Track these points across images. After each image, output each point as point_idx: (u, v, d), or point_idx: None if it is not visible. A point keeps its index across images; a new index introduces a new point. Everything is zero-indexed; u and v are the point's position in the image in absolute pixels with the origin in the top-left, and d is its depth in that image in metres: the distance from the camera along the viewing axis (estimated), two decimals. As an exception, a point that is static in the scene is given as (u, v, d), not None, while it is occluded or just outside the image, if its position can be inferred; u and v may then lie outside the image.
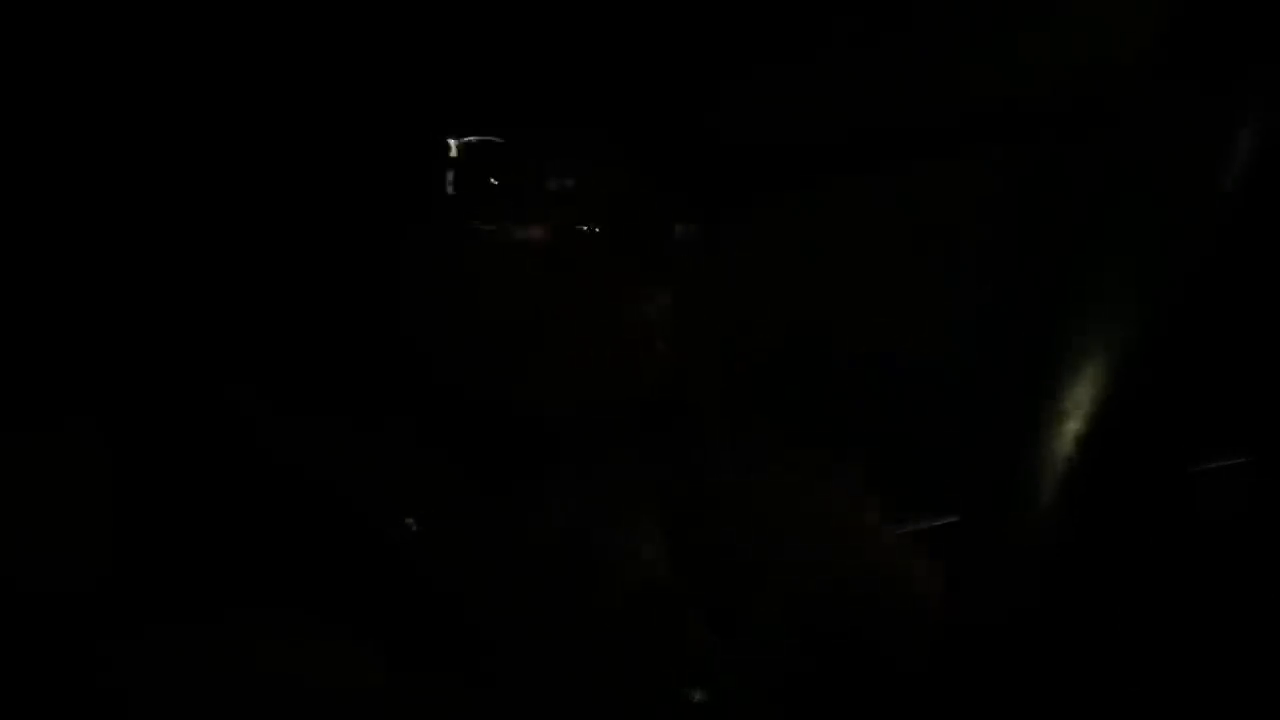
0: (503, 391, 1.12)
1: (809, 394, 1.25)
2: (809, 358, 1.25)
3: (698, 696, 1.13)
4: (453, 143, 1.09)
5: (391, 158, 1.10)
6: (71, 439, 1.09)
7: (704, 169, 1.15)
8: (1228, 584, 0.99)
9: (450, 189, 1.09)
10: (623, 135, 1.12)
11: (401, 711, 1.05)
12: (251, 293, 1.11)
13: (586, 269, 1.12)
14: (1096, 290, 0.91)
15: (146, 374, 1.10)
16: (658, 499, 1.17)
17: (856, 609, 1.16)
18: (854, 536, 1.18)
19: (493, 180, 1.10)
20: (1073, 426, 0.91)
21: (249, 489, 1.07)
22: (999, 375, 1.00)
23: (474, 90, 1.11)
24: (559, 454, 1.14)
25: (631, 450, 1.16)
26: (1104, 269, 0.92)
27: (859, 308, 1.24)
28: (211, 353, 1.11)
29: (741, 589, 1.16)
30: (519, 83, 1.11)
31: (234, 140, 1.09)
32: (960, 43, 1.17)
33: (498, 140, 1.10)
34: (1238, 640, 1.00)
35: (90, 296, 1.11)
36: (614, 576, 1.18)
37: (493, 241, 1.10)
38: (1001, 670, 0.94)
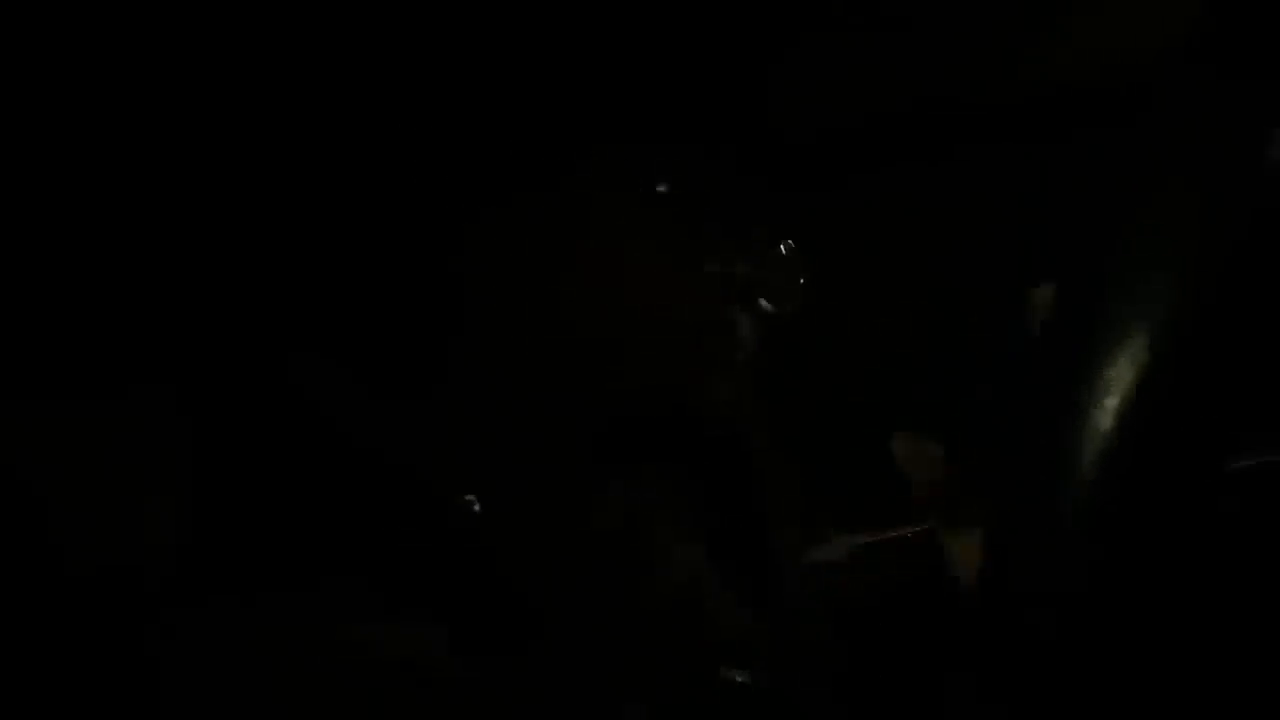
0: (574, 389, 1.16)
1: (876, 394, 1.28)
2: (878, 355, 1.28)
3: (740, 677, 1.16)
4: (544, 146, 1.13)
5: (488, 157, 1.14)
6: (146, 410, 1.13)
7: (774, 168, 1.18)
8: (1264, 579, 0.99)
9: (538, 187, 1.13)
10: (703, 138, 1.15)
11: (461, 685, 1.08)
12: (333, 274, 1.15)
13: (668, 277, 1.15)
14: (1135, 280, 0.94)
15: (223, 349, 1.15)
16: (704, 499, 1.20)
17: (889, 594, 1.18)
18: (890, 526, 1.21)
19: (585, 183, 1.14)
20: (1113, 417, 0.94)
21: (320, 467, 1.11)
22: (1041, 364, 1.02)
23: (553, 88, 1.14)
24: (621, 452, 1.18)
25: (686, 454, 1.20)
26: (1144, 257, 0.95)
27: (917, 300, 1.27)
28: (289, 333, 1.15)
29: (777, 578, 1.20)
30: (606, 86, 1.15)
31: (313, 122, 1.14)
32: (1003, 27, 1.20)
33: (587, 145, 1.14)
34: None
35: (166, 271, 1.16)
36: (662, 567, 1.22)
37: (583, 244, 1.14)
38: (1040, 656, 0.97)
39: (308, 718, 1.07)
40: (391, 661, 1.09)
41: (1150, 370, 0.92)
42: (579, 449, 1.17)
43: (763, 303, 1.19)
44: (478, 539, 1.13)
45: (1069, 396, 0.94)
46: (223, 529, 1.11)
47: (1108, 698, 0.95)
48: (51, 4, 1.08)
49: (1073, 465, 0.94)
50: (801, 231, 1.21)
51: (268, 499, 1.11)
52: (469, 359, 1.16)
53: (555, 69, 1.17)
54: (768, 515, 1.27)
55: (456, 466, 1.15)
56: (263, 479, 1.11)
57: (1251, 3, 0.93)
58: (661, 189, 1.17)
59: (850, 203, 1.23)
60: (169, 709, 1.07)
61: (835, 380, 1.25)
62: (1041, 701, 0.97)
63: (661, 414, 1.18)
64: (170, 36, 1.12)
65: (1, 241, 1.12)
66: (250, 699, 1.07)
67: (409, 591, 1.10)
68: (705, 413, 1.20)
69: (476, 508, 1.12)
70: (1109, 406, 0.92)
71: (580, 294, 1.16)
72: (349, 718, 1.07)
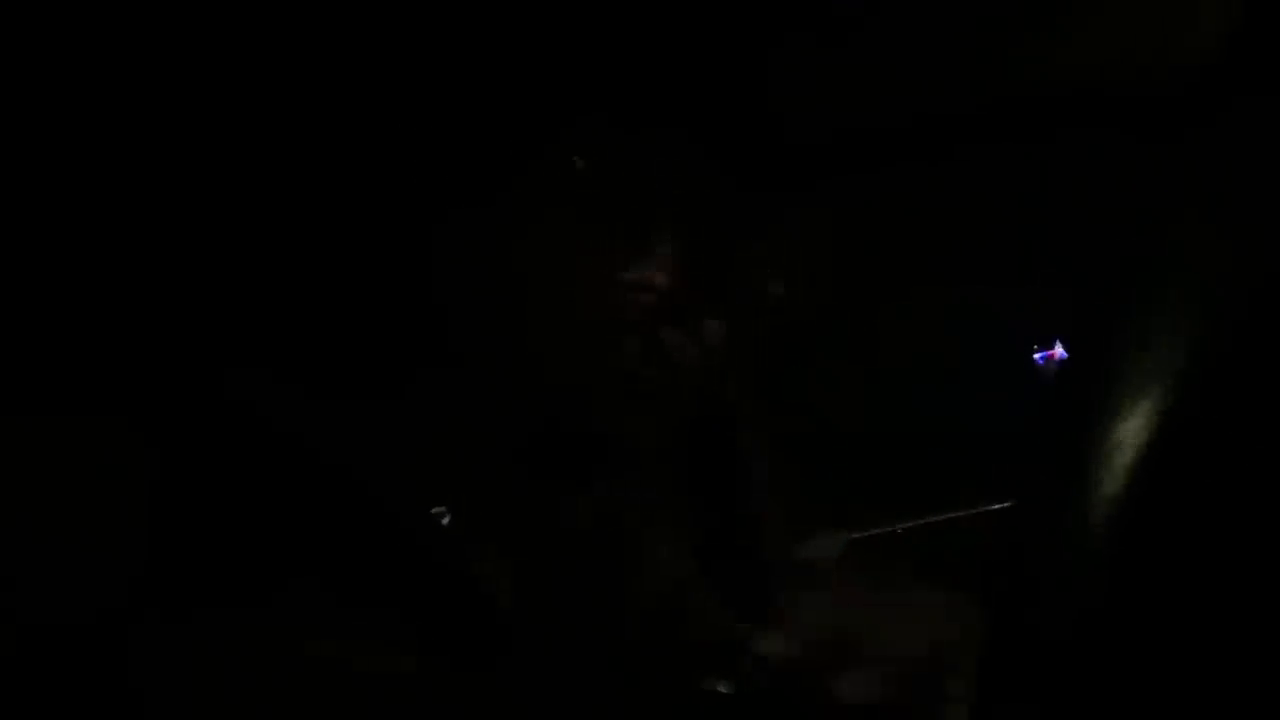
0: (549, 393, 1.15)
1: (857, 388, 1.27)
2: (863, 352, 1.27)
3: (723, 688, 1.15)
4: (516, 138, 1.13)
5: (459, 154, 1.14)
6: (105, 426, 1.12)
7: (770, 163, 1.18)
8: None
9: (515, 183, 1.13)
10: (701, 131, 1.15)
11: (434, 697, 1.07)
12: (293, 284, 1.15)
13: (647, 280, 1.15)
14: (1162, 286, 0.92)
15: (183, 367, 1.14)
16: (689, 502, 1.19)
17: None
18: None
19: (564, 176, 1.14)
20: (1138, 423, 0.91)
21: (284, 480, 1.11)
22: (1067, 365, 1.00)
23: (538, 82, 1.14)
24: (599, 455, 1.17)
25: (669, 456, 1.19)
26: (1170, 263, 0.92)
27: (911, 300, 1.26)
28: (248, 346, 1.15)
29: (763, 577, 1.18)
30: (596, 76, 1.15)
31: (274, 129, 1.13)
32: (1001, 27, 1.19)
33: (569, 136, 1.14)
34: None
35: (118, 290, 1.15)
36: (645, 568, 1.20)
37: (556, 241, 1.14)
38: (1057, 662, 0.94)
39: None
40: (363, 674, 1.07)
41: (1178, 381, 0.90)
42: (556, 452, 1.16)
43: (747, 299, 1.18)
44: (451, 552, 1.12)
45: (1090, 414, 0.92)
46: (189, 544, 1.10)
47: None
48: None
49: (1093, 483, 0.92)
50: (791, 230, 1.21)
51: (234, 513, 1.10)
52: (439, 366, 1.16)
53: (540, 66, 1.17)
54: (753, 515, 1.25)
55: (426, 476, 1.14)
56: (228, 493, 1.11)
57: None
58: (632, 185, 1.17)
59: (846, 202, 1.23)
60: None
61: (822, 378, 1.24)
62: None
63: (641, 415, 1.17)
64: (111, 54, 1.12)
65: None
66: (219, 713, 1.06)
67: (380, 603, 1.09)
68: (690, 412, 1.19)
69: (445, 520, 1.11)
70: (1130, 428, 0.90)
71: (551, 294, 1.15)
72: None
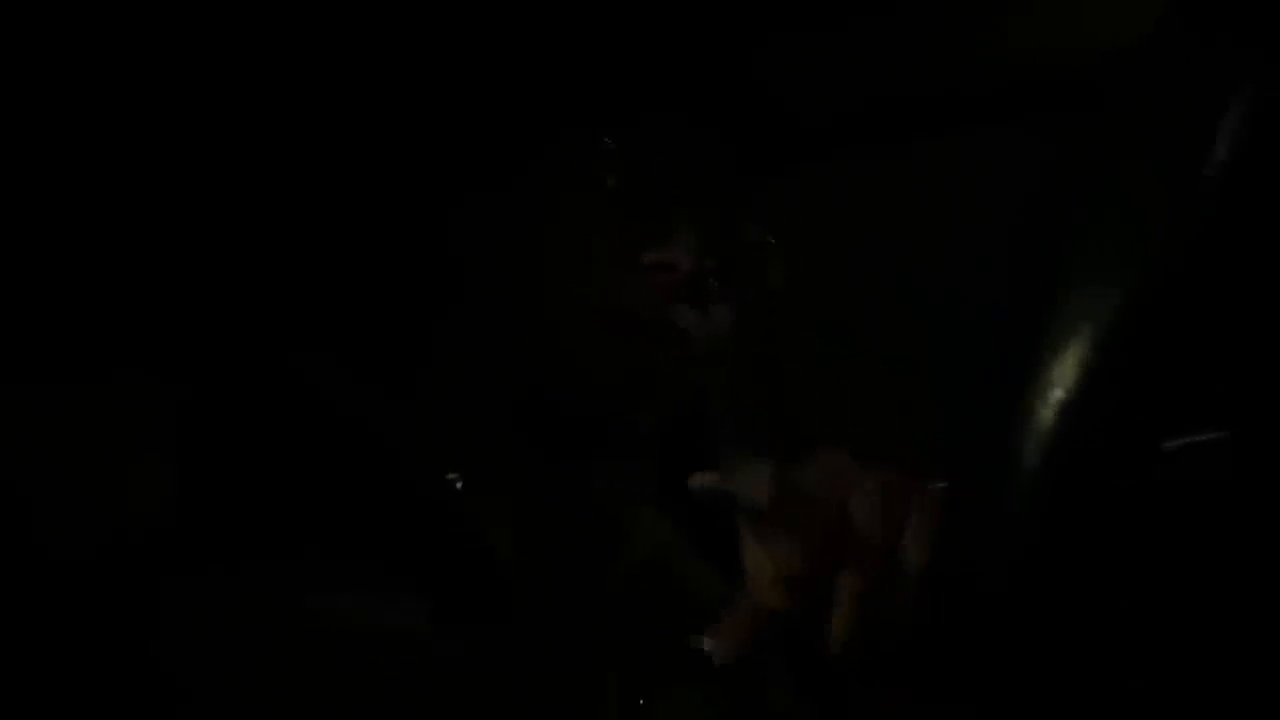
0: (558, 372, 1.19)
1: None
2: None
3: (706, 646, 1.20)
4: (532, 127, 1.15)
5: (471, 142, 1.16)
6: (129, 388, 1.15)
7: (768, 144, 1.20)
8: (1205, 558, 1.02)
9: (529, 167, 1.15)
10: (706, 114, 1.17)
11: (443, 654, 1.12)
12: (313, 255, 1.18)
13: (661, 263, 1.18)
14: (1083, 262, 0.96)
15: (206, 330, 1.17)
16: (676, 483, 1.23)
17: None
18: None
19: (578, 161, 1.16)
20: (1057, 395, 0.97)
21: (301, 443, 1.14)
22: (989, 347, 1.05)
23: (542, 71, 1.16)
24: (601, 432, 1.21)
25: (663, 433, 1.23)
26: (1089, 240, 0.96)
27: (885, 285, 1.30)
28: (269, 310, 1.18)
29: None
30: (594, 65, 1.17)
31: (295, 114, 1.16)
32: (967, 18, 1.21)
33: (579, 125, 1.16)
34: (1215, 613, 1.03)
35: (150, 253, 1.18)
36: (634, 539, 1.26)
37: (571, 223, 1.17)
38: (988, 637, 1.01)
39: (292, 686, 1.10)
40: (374, 631, 1.11)
41: (1094, 354, 0.95)
42: (559, 428, 1.20)
43: (735, 287, 1.21)
44: (460, 514, 1.16)
45: (1016, 383, 0.98)
46: (208, 502, 1.13)
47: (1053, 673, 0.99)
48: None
49: (1017, 448, 0.98)
50: (777, 217, 1.23)
51: (252, 473, 1.14)
52: (452, 341, 1.19)
53: (534, 51, 1.19)
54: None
55: (440, 445, 1.18)
56: (248, 453, 1.14)
57: None
58: (632, 175, 1.19)
59: (828, 188, 1.26)
60: (156, 677, 1.09)
61: (805, 361, 1.28)
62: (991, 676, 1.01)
63: (644, 396, 1.21)
64: (143, 35, 1.14)
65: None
66: (235, 667, 1.09)
67: (392, 563, 1.13)
68: (679, 394, 1.22)
69: (459, 485, 1.16)
70: (1052, 396, 0.96)
71: (564, 276, 1.18)
72: (333, 686, 1.10)
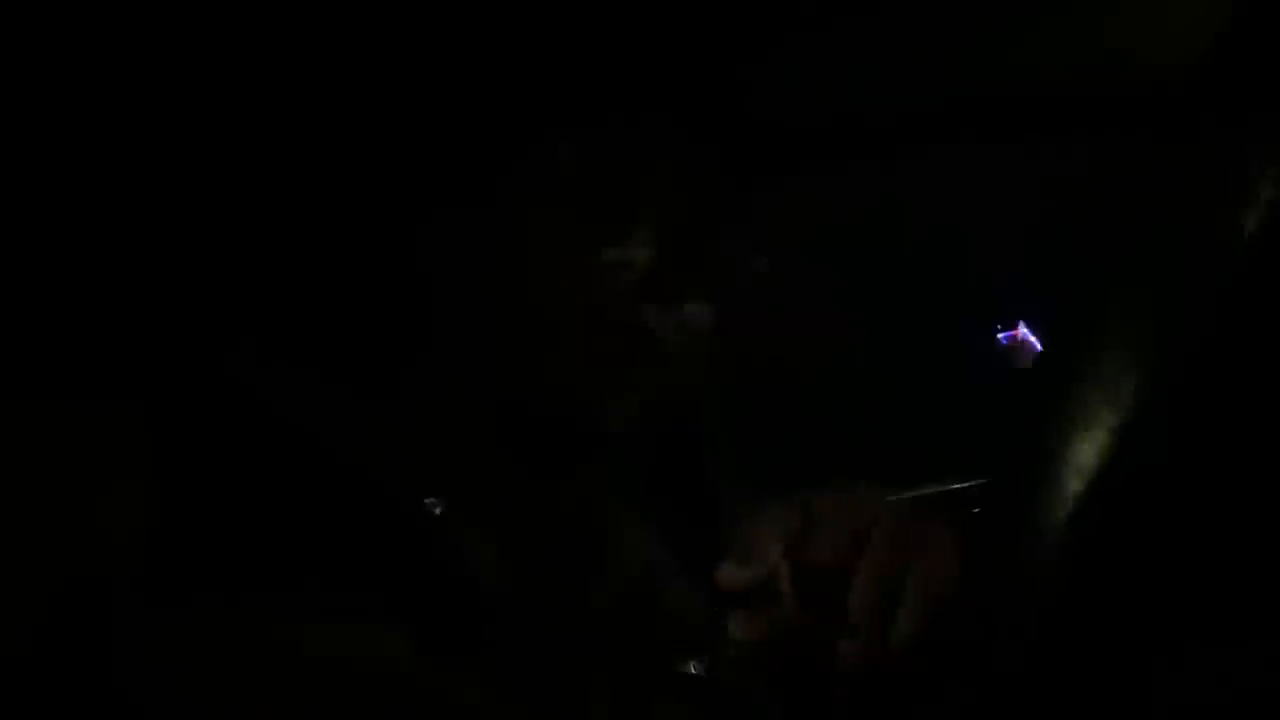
0: (532, 381, 1.16)
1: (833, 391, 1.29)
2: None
3: (694, 668, 1.19)
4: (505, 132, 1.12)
5: (449, 147, 1.13)
6: (102, 418, 1.12)
7: (746, 153, 1.18)
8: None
9: (499, 171, 1.12)
10: (682, 113, 1.15)
11: (425, 687, 1.09)
12: (288, 273, 1.15)
13: (629, 263, 1.15)
14: (1126, 295, 0.93)
15: (177, 354, 1.14)
16: (659, 486, 1.22)
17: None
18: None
19: (548, 163, 1.13)
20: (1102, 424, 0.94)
21: (276, 470, 1.11)
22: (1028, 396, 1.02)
23: (522, 75, 1.13)
24: (580, 443, 1.19)
25: (642, 442, 1.21)
26: (1136, 272, 0.93)
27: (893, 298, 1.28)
28: (242, 332, 1.15)
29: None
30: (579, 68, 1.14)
31: (276, 120, 1.13)
32: (978, 26, 1.19)
33: (553, 123, 1.13)
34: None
35: (120, 276, 1.15)
36: (617, 557, 1.24)
37: (541, 228, 1.14)
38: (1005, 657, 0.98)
39: (270, 717, 1.07)
40: (353, 662, 1.09)
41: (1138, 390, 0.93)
42: (539, 440, 1.18)
43: (707, 287, 1.19)
44: (439, 539, 1.14)
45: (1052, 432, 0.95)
46: (179, 530, 1.10)
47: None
48: None
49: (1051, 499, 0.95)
50: (763, 221, 1.22)
51: (225, 501, 1.11)
52: (428, 356, 1.16)
53: (511, 56, 1.16)
54: (720, 504, 1.29)
55: (415, 466, 1.15)
56: (223, 480, 1.11)
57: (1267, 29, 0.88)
58: (615, 168, 1.17)
59: (818, 194, 1.24)
60: (124, 711, 1.07)
61: (790, 368, 1.26)
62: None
63: (621, 402, 1.19)
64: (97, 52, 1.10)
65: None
66: (212, 699, 1.07)
67: (371, 591, 1.10)
68: (667, 398, 1.21)
69: (437, 510, 1.13)
70: (1090, 442, 0.93)
71: (536, 282, 1.15)
72: (312, 716, 1.08)
